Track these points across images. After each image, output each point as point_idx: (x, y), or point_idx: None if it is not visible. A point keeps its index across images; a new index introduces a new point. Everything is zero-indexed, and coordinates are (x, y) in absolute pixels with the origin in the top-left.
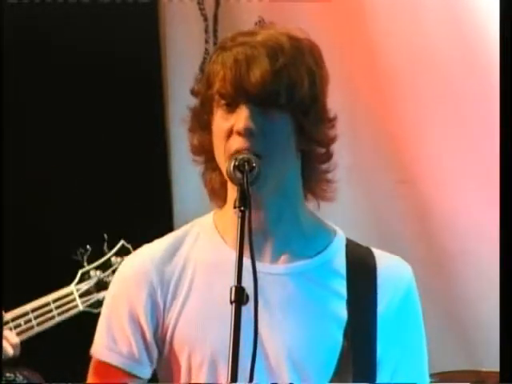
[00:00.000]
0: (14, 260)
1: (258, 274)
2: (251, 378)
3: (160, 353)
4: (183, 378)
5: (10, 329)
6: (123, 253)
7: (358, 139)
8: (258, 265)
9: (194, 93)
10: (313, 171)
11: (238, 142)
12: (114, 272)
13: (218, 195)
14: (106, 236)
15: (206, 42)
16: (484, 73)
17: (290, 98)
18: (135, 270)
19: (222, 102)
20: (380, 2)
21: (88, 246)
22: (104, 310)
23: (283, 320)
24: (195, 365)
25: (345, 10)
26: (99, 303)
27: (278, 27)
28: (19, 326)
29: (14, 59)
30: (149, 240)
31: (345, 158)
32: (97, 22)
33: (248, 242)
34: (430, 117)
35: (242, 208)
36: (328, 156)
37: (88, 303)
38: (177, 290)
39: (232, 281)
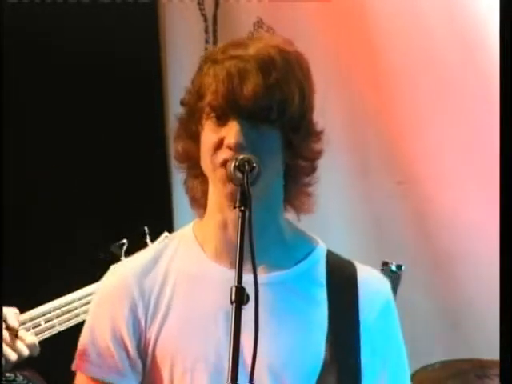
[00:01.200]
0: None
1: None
2: (251, 378)
3: (143, 365)
4: None
5: (28, 329)
6: None
7: (358, 140)
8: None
9: (183, 103)
10: (295, 184)
11: (227, 154)
12: None
13: (198, 203)
14: (146, 229)
15: (206, 41)
16: (484, 73)
17: (281, 113)
18: (117, 284)
19: (213, 114)
20: (380, 1)
21: (125, 240)
22: (86, 325)
23: (263, 330)
24: (177, 376)
25: (344, 10)
26: None
27: (268, 39)
28: (39, 325)
29: (14, 59)
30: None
31: (345, 159)
32: (97, 22)
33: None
34: (430, 117)
35: (243, 208)
36: (312, 169)
37: None
38: (158, 303)
39: (211, 292)
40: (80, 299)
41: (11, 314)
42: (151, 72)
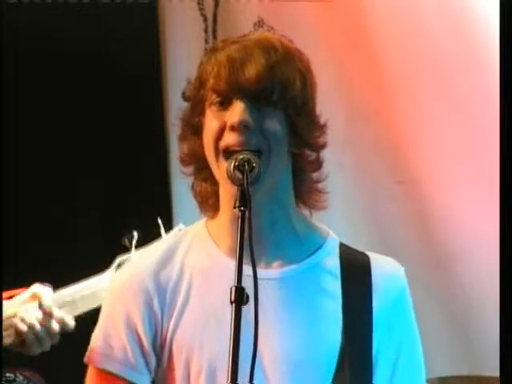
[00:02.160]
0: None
1: (252, 279)
2: (251, 379)
3: (158, 361)
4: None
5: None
6: None
7: (359, 140)
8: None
9: (184, 96)
10: (304, 181)
11: (232, 138)
12: None
13: (209, 206)
14: (159, 221)
15: (206, 42)
16: (484, 73)
17: (283, 95)
18: (131, 277)
19: (216, 99)
20: (381, 1)
21: (135, 233)
22: (101, 318)
23: (279, 324)
24: (193, 372)
25: (345, 10)
26: None
27: (268, 35)
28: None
29: (14, 59)
30: (147, 242)
31: (345, 158)
32: (97, 21)
33: (244, 245)
34: (430, 117)
35: (242, 208)
36: (318, 164)
37: None
38: (174, 298)
39: (228, 287)
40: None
41: (45, 292)
42: (151, 72)
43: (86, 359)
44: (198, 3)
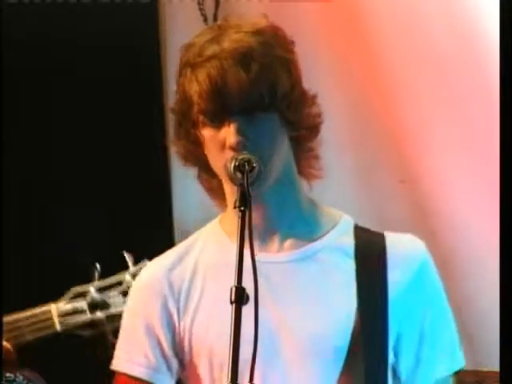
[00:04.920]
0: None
1: (266, 265)
2: (251, 378)
3: (179, 360)
4: (206, 382)
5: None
6: None
7: (360, 139)
8: (265, 256)
9: (174, 112)
10: (301, 150)
11: (231, 155)
12: (124, 292)
13: (217, 194)
14: (127, 257)
15: None
16: (485, 72)
17: (272, 96)
18: (147, 281)
19: (206, 120)
20: (380, 1)
21: (97, 265)
22: (123, 323)
23: (295, 305)
24: (216, 367)
25: (345, 10)
26: (90, 324)
27: (240, 24)
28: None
29: (14, 59)
30: (148, 249)
31: (346, 157)
32: (97, 22)
33: (249, 241)
34: (431, 116)
35: (243, 208)
36: (316, 132)
37: (73, 323)
38: (188, 296)
39: (243, 281)
40: (28, 318)
41: None
42: (151, 72)
43: (111, 366)
44: (199, 3)
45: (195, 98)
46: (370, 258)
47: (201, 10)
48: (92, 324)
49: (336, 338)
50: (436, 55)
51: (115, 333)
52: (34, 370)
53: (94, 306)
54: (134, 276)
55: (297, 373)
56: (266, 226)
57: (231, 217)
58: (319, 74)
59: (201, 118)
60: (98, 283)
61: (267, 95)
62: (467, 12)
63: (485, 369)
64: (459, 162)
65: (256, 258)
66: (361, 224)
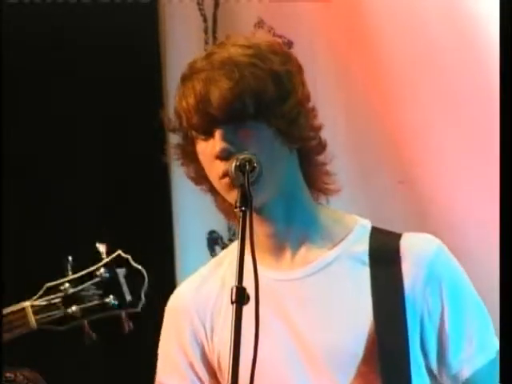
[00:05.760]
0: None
1: (279, 283)
2: (251, 380)
3: (211, 379)
4: None
5: None
6: (121, 263)
7: (359, 139)
8: (277, 274)
9: (170, 130)
10: (310, 166)
11: (220, 166)
12: (98, 284)
13: (231, 214)
14: (100, 248)
15: (206, 42)
16: (484, 73)
17: (256, 107)
18: (175, 305)
19: (196, 133)
20: (381, 2)
21: (70, 257)
22: (159, 351)
23: (312, 320)
24: None
25: (345, 11)
26: (66, 319)
27: (237, 39)
28: None
29: (14, 59)
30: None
31: (345, 158)
32: (97, 22)
33: (250, 241)
34: (430, 117)
35: (243, 208)
36: (321, 147)
37: (48, 319)
38: (214, 314)
39: (265, 296)
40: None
41: None
42: (151, 72)
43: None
44: (198, 3)
45: (183, 112)
46: (384, 263)
47: (200, 10)
48: (67, 318)
49: (353, 347)
50: (436, 56)
51: (92, 325)
52: (33, 370)
53: (68, 301)
54: (107, 267)
55: (321, 380)
56: (275, 243)
57: (255, 235)
58: (318, 74)
59: (193, 132)
60: (71, 277)
61: (250, 104)
62: (467, 11)
63: None
64: (459, 163)
65: (268, 275)
66: None
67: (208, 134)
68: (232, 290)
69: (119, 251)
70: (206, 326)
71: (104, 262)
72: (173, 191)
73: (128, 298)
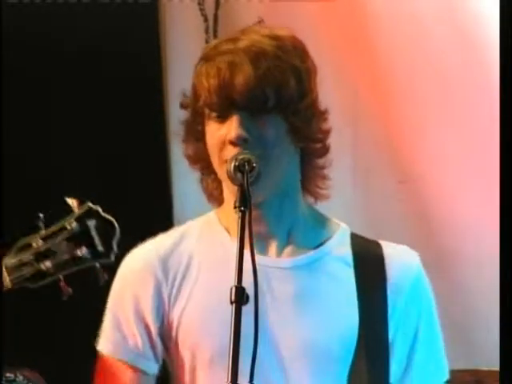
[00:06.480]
0: None
1: (265, 269)
2: (251, 379)
3: (167, 349)
4: (188, 375)
5: None
6: (92, 215)
7: (359, 139)
8: (264, 259)
9: (183, 107)
10: (309, 167)
11: (232, 151)
12: (70, 238)
13: (215, 199)
14: (70, 202)
15: (206, 42)
16: (485, 73)
17: (277, 100)
18: (140, 264)
19: (212, 113)
20: (381, 2)
21: (41, 214)
22: (109, 305)
23: (294, 313)
24: (200, 360)
25: (345, 10)
26: (40, 275)
27: (261, 29)
28: None
29: (14, 59)
30: (148, 237)
31: (346, 158)
32: (97, 22)
33: (249, 242)
34: (431, 117)
35: (242, 208)
36: (325, 150)
37: (22, 278)
38: (182, 285)
39: (250, 282)
40: None
41: None
42: (151, 72)
43: (97, 346)
44: (199, 3)
45: (203, 91)
46: (369, 268)
47: (201, 10)
48: (41, 275)
49: (337, 347)
50: (436, 56)
51: (66, 279)
52: (33, 370)
53: (40, 257)
54: (77, 220)
55: (295, 375)
56: (265, 233)
57: (228, 212)
58: (318, 74)
59: (206, 111)
60: (42, 233)
61: (272, 96)
62: (468, 12)
63: (485, 369)
64: (459, 163)
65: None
66: (359, 225)
67: (224, 117)
68: (232, 289)
69: (89, 203)
70: (172, 295)
71: (74, 215)
72: (173, 191)
73: (100, 248)
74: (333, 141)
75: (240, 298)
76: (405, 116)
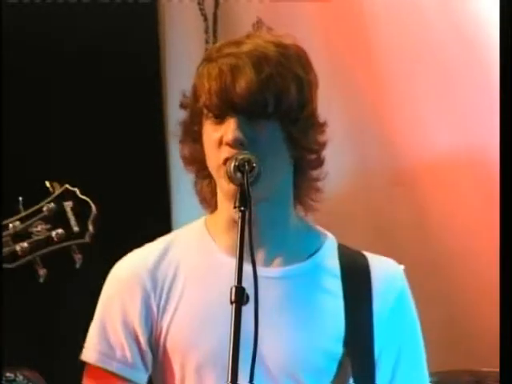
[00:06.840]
0: None
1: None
2: (251, 379)
3: (154, 358)
4: (177, 383)
5: None
6: (69, 196)
7: (358, 142)
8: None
9: (182, 106)
10: (303, 178)
11: (228, 152)
12: (46, 219)
13: (208, 204)
14: (49, 184)
15: (206, 42)
16: (485, 72)
17: (277, 106)
18: (128, 274)
19: (210, 114)
20: (380, 1)
21: (20, 198)
22: (97, 314)
23: (280, 323)
24: (189, 371)
25: (344, 11)
26: (15, 255)
27: (265, 35)
28: None
29: (14, 59)
30: (147, 241)
31: (343, 160)
32: (97, 22)
33: (244, 246)
34: (430, 117)
35: (242, 208)
36: (319, 162)
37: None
38: (170, 295)
39: (225, 285)
40: None
41: None
42: (151, 72)
43: (82, 356)
44: (198, 3)
45: (203, 92)
46: (356, 279)
47: (201, 9)
48: (17, 255)
49: (323, 359)
50: (436, 56)
51: (43, 261)
52: (33, 370)
53: (16, 238)
54: (54, 201)
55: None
56: (255, 239)
57: (219, 220)
58: (318, 74)
59: (205, 111)
60: (20, 215)
61: (272, 102)
62: (467, 11)
63: (485, 369)
64: (458, 165)
65: (244, 269)
66: (358, 228)
67: (221, 118)
68: (231, 289)
69: (66, 185)
70: (161, 306)
71: (51, 196)
72: (171, 191)
73: (75, 229)
74: (330, 143)
75: (240, 298)
76: (403, 116)
